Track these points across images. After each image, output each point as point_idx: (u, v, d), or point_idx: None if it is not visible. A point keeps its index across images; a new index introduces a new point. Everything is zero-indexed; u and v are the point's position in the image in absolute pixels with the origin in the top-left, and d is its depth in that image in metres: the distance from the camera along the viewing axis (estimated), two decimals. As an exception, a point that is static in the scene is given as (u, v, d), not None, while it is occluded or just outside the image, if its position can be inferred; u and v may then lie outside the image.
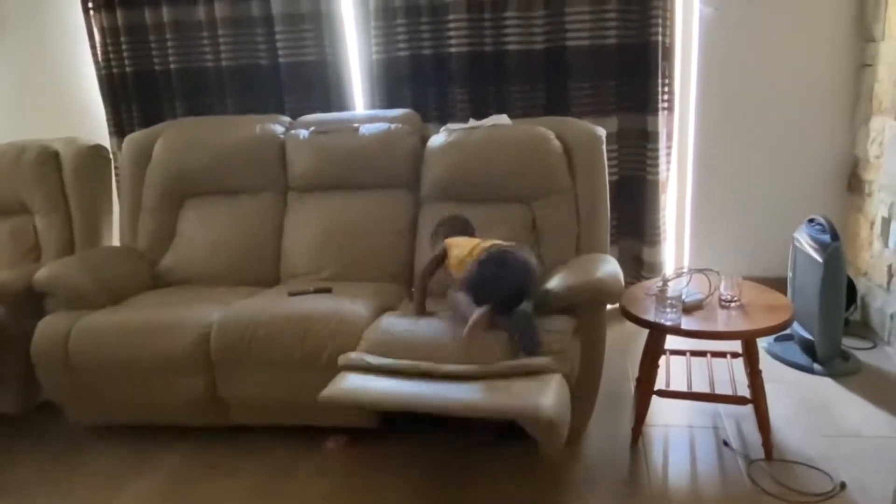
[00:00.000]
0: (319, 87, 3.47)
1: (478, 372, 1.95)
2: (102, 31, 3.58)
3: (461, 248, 2.26)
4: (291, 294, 2.48)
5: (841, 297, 2.68)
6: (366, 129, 2.83)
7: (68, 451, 2.51)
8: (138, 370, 2.35)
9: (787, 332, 2.89)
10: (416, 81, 3.37)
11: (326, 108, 3.43)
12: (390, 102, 3.38)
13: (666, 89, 3.24)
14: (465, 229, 2.44)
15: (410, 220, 2.80)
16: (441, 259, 2.33)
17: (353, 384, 1.99)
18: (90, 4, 3.56)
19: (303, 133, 2.89)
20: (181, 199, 2.96)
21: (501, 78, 3.31)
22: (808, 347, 2.82)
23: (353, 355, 2.07)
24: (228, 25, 3.46)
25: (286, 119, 3.09)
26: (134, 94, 3.64)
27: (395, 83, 3.39)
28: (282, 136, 2.93)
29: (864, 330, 3.09)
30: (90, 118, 3.78)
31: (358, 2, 3.37)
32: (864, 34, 3.10)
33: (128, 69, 3.61)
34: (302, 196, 2.89)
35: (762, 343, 2.94)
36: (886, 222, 2.90)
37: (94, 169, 3.05)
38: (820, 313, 2.68)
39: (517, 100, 3.30)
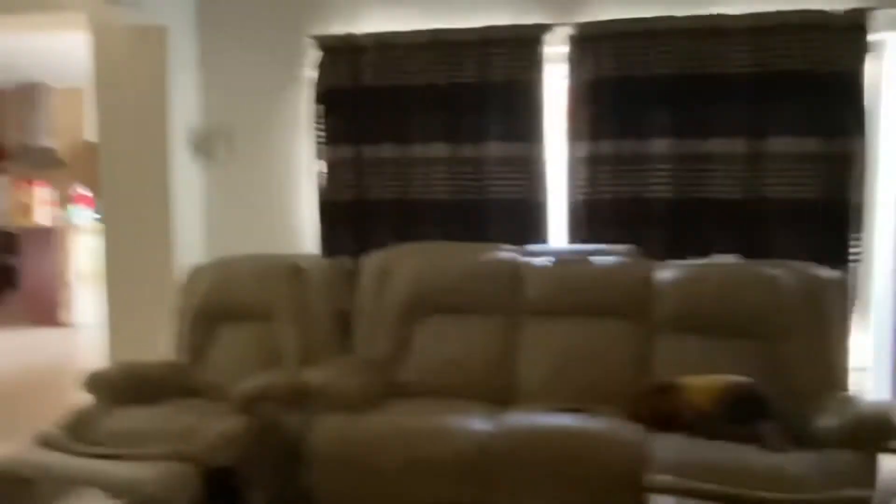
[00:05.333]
0: (522, 222, 3.78)
1: (792, 499, 2.03)
2: (330, 163, 4.00)
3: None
4: (552, 411, 2.61)
5: None
6: (599, 260, 3.07)
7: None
8: (416, 474, 2.47)
9: None
10: (617, 222, 3.65)
11: (525, 241, 3.71)
12: (591, 240, 3.65)
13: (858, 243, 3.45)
14: None
15: (642, 350, 2.96)
16: None
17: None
18: (320, 139, 4.02)
19: (539, 261, 3.14)
20: (417, 316, 3.18)
21: (701, 222, 3.57)
22: None
23: (663, 478, 2.15)
24: (444, 164, 3.85)
25: (509, 247, 3.36)
26: (347, 219, 3.99)
27: (597, 222, 3.67)
28: (516, 263, 3.18)
29: None
30: (303, 237, 4.13)
31: (567, 150, 3.73)
32: None
33: (345, 197, 3.99)
34: (537, 320, 3.09)
35: None
36: None
37: (335, 283, 3.32)
38: None
39: (716, 244, 3.53)
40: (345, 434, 2.54)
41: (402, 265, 3.22)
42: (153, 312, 4.07)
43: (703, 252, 3.40)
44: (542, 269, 3.11)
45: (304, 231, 4.16)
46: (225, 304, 3.29)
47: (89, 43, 4.06)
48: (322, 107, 3.98)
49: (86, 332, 6.16)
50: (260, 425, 2.66)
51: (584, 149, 3.69)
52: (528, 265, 3.16)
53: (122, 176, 4.10)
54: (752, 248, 3.49)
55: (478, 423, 2.54)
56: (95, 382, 2.93)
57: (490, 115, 3.77)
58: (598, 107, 3.64)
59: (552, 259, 3.13)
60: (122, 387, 2.93)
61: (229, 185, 4.25)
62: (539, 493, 2.39)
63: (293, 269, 3.29)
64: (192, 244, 4.17)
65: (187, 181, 4.15)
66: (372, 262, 3.31)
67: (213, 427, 2.54)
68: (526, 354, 3.03)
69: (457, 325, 3.13)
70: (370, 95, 3.91)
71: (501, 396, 2.96)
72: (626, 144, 3.63)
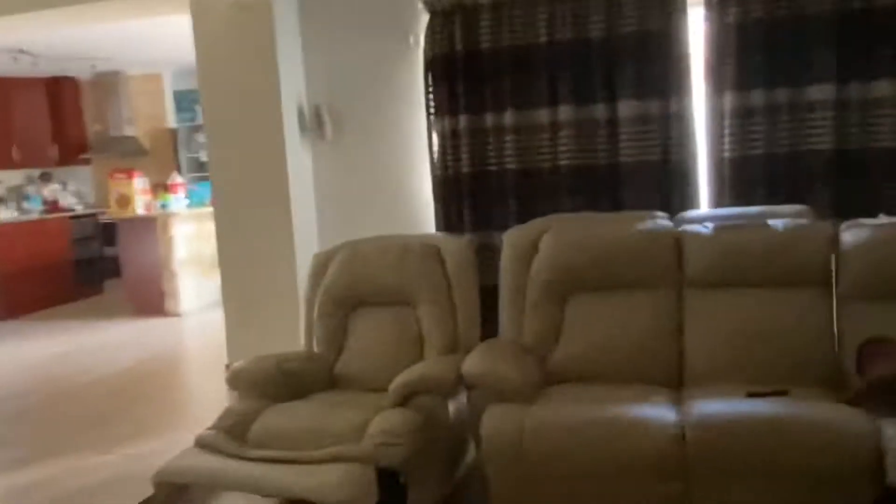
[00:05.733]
0: (662, 187, 3.49)
1: None
2: (442, 134, 3.77)
3: None
4: (750, 395, 2.35)
5: None
6: (776, 224, 2.76)
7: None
8: (601, 471, 2.26)
9: None
10: (769, 181, 3.32)
11: (667, 208, 3.43)
12: (740, 202, 3.34)
13: None
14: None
15: (827, 322, 2.66)
16: None
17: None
18: (433, 109, 3.78)
19: (703, 228, 2.86)
20: (566, 294, 2.95)
21: (870, 176, 3.20)
22: None
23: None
24: (571, 127, 3.57)
25: (663, 214, 3.08)
26: (466, 193, 3.77)
27: (745, 183, 3.35)
28: (676, 232, 2.90)
29: None
30: (419, 214, 3.94)
31: (710, 104, 3.40)
32: None
33: (463, 170, 3.76)
34: (704, 293, 2.82)
35: None
36: None
37: (473, 263, 3.11)
38: None
39: (890, 201, 3.16)
40: (518, 428, 2.33)
41: (548, 239, 2.98)
42: (273, 300, 3.98)
43: (875, 211, 3.05)
44: (706, 237, 2.82)
45: (419, 208, 3.97)
46: (359, 289, 3.12)
47: (191, 24, 3.92)
48: (434, 74, 3.75)
49: (192, 320, 6.18)
50: (423, 419, 2.49)
51: (730, 101, 3.35)
52: (689, 233, 2.87)
53: (233, 158, 3.98)
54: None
55: (667, 413, 2.31)
56: (239, 378, 2.81)
57: (622, 70, 3.46)
58: (745, 52, 3.29)
59: (716, 225, 2.83)
60: (266, 382, 2.80)
61: (338, 164, 4.08)
62: (750, 492, 2.15)
63: (431, 250, 3.09)
64: (307, 227, 4.04)
65: (299, 161, 3.99)
66: (515, 236, 3.08)
67: (379, 424, 2.38)
68: (693, 332, 2.76)
69: (612, 303, 2.88)
70: (486, 59, 3.65)
71: (669, 380, 2.71)
72: (780, 93, 3.28)
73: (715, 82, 3.38)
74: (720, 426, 2.20)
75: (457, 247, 3.13)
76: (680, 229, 2.91)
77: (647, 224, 2.95)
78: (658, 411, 2.34)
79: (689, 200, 3.46)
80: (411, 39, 3.81)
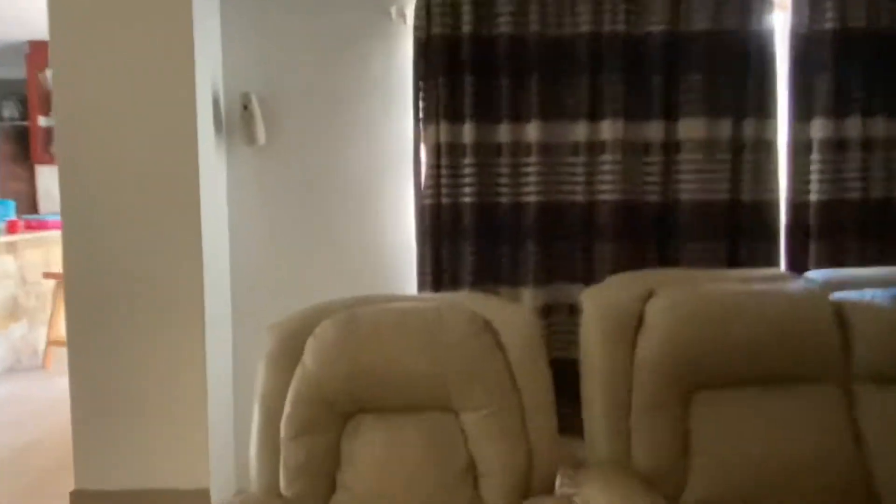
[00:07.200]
0: (727, 234, 2.69)
1: None
2: (436, 148, 2.67)
3: None
4: None
5: None
6: (972, 296, 2.02)
7: None
8: None
9: None
10: (862, 233, 2.66)
11: (735, 262, 2.66)
12: (824, 259, 2.64)
13: None
14: None
15: None
16: None
17: None
18: (423, 114, 2.68)
19: (873, 298, 2.04)
20: (689, 391, 1.97)
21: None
22: None
23: None
24: (616, 150, 2.66)
25: (793, 274, 2.23)
26: (468, 232, 2.69)
27: (833, 233, 2.66)
28: (835, 303, 2.05)
29: None
30: (391, 261, 2.78)
31: (793, 131, 2.67)
32: None
33: (464, 200, 2.69)
34: (880, 389, 1.98)
35: None
36: None
37: (541, 346, 2.03)
38: None
39: None
40: None
41: (659, 307, 1.99)
42: (161, 387, 2.58)
43: None
44: (885, 312, 2.01)
45: (391, 252, 2.82)
46: (363, 386, 1.90)
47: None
48: (427, 64, 2.65)
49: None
50: None
51: (818, 130, 2.64)
52: (856, 304, 2.04)
53: (105, 166, 2.54)
54: None
55: None
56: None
57: (687, 79, 2.64)
58: (839, 70, 2.62)
59: (893, 295, 2.03)
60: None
61: (269, 179, 2.80)
62: None
63: (479, 322, 1.96)
64: (219, 272, 2.70)
65: (209, 173, 2.65)
66: (604, 300, 2.04)
67: None
68: (881, 447, 1.92)
69: (754, 405, 1.95)
70: (505, 49, 2.65)
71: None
72: (878, 123, 2.64)
73: (800, 104, 2.66)
74: None
75: (518, 318, 2.02)
76: (835, 299, 2.07)
77: (795, 290, 2.08)
78: None
79: (764, 254, 2.69)
80: (393, 12, 2.70)
